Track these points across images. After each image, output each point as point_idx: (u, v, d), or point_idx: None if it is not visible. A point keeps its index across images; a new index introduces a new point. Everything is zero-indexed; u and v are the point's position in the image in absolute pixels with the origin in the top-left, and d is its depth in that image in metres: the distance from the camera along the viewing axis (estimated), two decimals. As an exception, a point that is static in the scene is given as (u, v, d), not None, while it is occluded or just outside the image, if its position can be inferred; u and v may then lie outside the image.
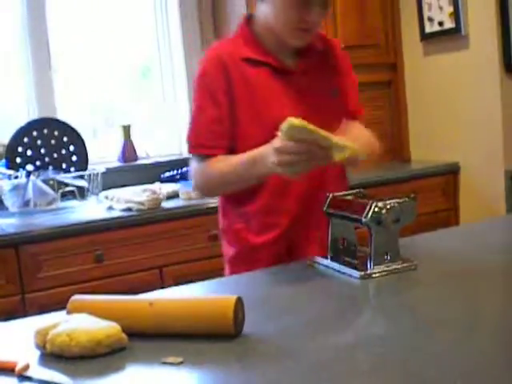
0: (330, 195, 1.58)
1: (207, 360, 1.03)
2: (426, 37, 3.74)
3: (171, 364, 1.01)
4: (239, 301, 1.11)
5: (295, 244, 1.74)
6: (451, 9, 3.55)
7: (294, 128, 1.41)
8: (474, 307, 1.20)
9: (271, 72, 1.76)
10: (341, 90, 1.84)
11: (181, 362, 1.02)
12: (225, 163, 1.71)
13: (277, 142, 1.47)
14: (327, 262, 1.55)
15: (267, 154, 1.52)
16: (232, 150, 1.72)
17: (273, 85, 1.75)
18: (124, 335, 1.09)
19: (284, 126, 1.41)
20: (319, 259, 1.58)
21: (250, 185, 1.71)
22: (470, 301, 1.24)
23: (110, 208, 2.88)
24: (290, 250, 1.74)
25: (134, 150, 3.57)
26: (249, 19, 1.83)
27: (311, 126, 1.42)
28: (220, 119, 1.73)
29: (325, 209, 1.57)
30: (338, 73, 1.85)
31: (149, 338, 1.12)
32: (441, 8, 3.62)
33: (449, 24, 3.59)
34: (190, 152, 1.79)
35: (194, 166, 1.79)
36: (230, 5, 3.61)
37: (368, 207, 1.41)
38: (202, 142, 1.75)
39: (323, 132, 1.44)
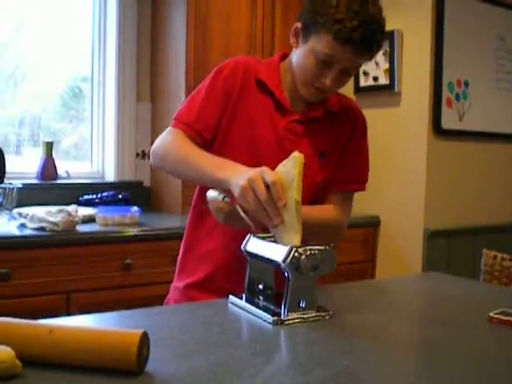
0: (251, 235, 1.55)
1: (104, 397, 0.97)
2: (359, 90, 3.80)
3: (65, 398, 0.95)
4: (144, 336, 1.05)
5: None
6: (387, 65, 3.62)
7: (297, 164, 1.42)
8: (386, 361, 1.18)
9: (274, 105, 1.76)
10: (334, 156, 1.81)
11: (75, 397, 0.95)
12: (196, 148, 1.68)
13: (258, 173, 1.43)
14: (242, 303, 1.50)
15: (243, 172, 1.47)
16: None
17: (269, 117, 1.76)
18: (18, 362, 1.01)
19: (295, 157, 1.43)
20: (235, 300, 1.53)
21: (200, 182, 1.75)
22: (382, 355, 1.22)
23: (23, 226, 2.77)
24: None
25: (55, 169, 3.47)
26: (284, 54, 1.84)
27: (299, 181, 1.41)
28: (216, 115, 1.73)
29: (243, 247, 1.54)
30: (339, 140, 1.81)
31: (46, 367, 1.05)
32: (377, 64, 3.69)
33: (383, 80, 3.67)
34: (173, 125, 1.75)
35: (164, 134, 1.75)
36: (168, 35, 3.59)
37: (287, 252, 1.38)
38: (191, 121, 1.73)
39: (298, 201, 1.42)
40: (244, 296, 1.53)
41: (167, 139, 1.73)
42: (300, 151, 1.47)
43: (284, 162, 1.47)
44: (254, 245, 1.52)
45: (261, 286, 1.53)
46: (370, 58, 1.67)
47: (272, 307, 1.44)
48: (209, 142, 1.74)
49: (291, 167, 1.44)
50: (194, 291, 1.77)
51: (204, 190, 1.72)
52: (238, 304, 1.52)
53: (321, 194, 1.82)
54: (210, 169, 1.58)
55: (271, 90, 1.76)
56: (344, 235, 1.85)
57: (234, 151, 1.70)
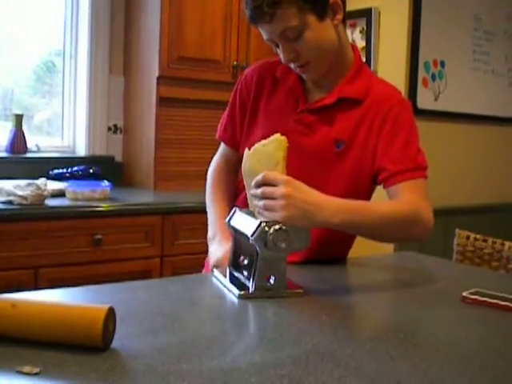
0: (236, 208, 1.55)
1: (68, 373, 0.93)
2: (335, 68, 3.77)
3: (26, 374, 0.91)
4: (110, 312, 1.02)
5: None
6: (363, 43, 3.59)
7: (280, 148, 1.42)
8: (357, 340, 1.16)
9: (292, 99, 1.77)
10: (357, 144, 1.68)
11: (37, 373, 0.91)
12: (212, 196, 1.92)
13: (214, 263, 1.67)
14: (221, 276, 1.50)
15: (213, 250, 1.75)
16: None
17: (284, 112, 1.77)
18: (-22, 337, 0.98)
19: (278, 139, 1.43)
20: (215, 272, 1.53)
21: None
22: (353, 333, 1.20)
23: (-10, 199, 2.72)
24: None
25: (25, 142, 3.40)
26: None
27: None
28: (237, 125, 1.88)
29: (227, 221, 1.54)
30: (361, 127, 1.68)
31: (8, 342, 1.02)
32: (354, 41, 3.66)
33: (359, 58, 3.63)
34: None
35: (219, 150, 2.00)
36: (142, 9, 3.53)
37: (256, 226, 1.36)
38: (222, 131, 1.94)
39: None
40: (228, 270, 1.51)
41: (213, 162, 2.00)
42: (312, 142, 1.58)
43: (264, 141, 1.45)
44: (237, 219, 1.51)
45: (246, 261, 1.51)
46: (288, 12, 1.57)
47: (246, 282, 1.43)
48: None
49: (273, 150, 1.42)
50: None
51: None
52: (217, 277, 1.52)
53: (352, 188, 1.69)
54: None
55: (285, 82, 1.78)
56: (428, 226, 1.59)
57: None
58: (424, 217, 1.58)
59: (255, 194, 1.40)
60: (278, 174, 1.40)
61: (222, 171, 1.95)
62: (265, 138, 1.53)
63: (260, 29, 1.65)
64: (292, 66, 1.69)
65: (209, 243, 1.80)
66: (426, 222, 1.59)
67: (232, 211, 1.55)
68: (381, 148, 1.67)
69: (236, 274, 1.49)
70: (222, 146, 1.98)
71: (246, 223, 1.44)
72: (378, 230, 1.54)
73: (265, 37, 1.66)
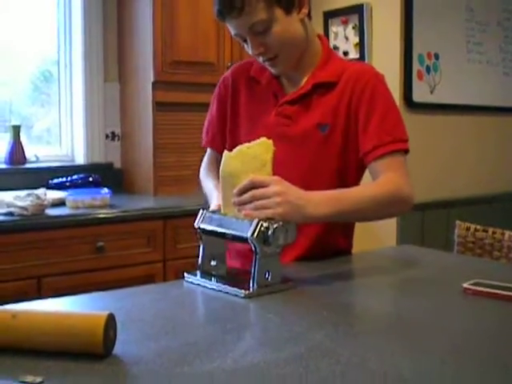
0: (203, 210, 1.55)
1: (70, 381, 0.94)
2: (330, 65, 3.76)
3: (29, 384, 0.92)
4: (111, 318, 1.03)
5: None
6: (357, 39, 3.60)
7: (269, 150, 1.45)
8: (359, 335, 1.16)
9: (270, 95, 1.79)
10: (339, 127, 1.70)
11: (40, 382, 0.92)
12: (205, 179, 1.91)
13: None
14: (200, 279, 1.50)
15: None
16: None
17: (264, 109, 1.78)
18: (-20, 349, 0.99)
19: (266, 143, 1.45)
20: (192, 277, 1.52)
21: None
22: (355, 329, 1.20)
23: (-9, 211, 2.72)
24: None
25: (23, 153, 3.40)
26: None
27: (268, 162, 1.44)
28: (217, 123, 1.89)
29: (196, 224, 1.53)
30: (339, 109, 1.70)
31: (10, 353, 1.02)
32: (347, 38, 3.66)
33: (353, 54, 3.64)
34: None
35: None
36: (135, 15, 3.53)
37: (255, 225, 1.37)
38: (204, 137, 1.94)
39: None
40: (198, 273, 1.52)
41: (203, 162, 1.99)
42: (296, 131, 1.65)
43: (248, 144, 1.48)
44: (209, 221, 1.52)
45: (213, 263, 1.54)
46: (256, 7, 1.60)
47: (232, 282, 1.45)
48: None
49: (261, 152, 1.45)
50: None
51: None
52: (195, 281, 1.51)
53: (341, 168, 1.73)
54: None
55: (260, 80, 1.80)
56: (409, 202, 1.66)
57: None
58: (404, 194, 1.65)
59: (242, 199, 1.42)
60: (265, 176, 1.43)
61: (212, 165, 1.92)
62: (249, 137, 1.55)
63: (228, 24, 1.67)
64: (261, 59, 1.71)
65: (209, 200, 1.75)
66: (407, 198, 1.65)
67: (200, 214, 1.54)
68: (360, 123, 1.70)
69: (210, 277, 1.51)
70: (208, 152, 1.98)
71: (233, 225, 1.45)
72: (363, 214, 1.61)
73: (232, 32, 1.68)
